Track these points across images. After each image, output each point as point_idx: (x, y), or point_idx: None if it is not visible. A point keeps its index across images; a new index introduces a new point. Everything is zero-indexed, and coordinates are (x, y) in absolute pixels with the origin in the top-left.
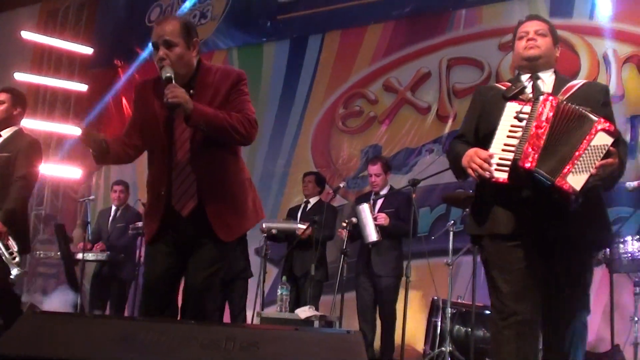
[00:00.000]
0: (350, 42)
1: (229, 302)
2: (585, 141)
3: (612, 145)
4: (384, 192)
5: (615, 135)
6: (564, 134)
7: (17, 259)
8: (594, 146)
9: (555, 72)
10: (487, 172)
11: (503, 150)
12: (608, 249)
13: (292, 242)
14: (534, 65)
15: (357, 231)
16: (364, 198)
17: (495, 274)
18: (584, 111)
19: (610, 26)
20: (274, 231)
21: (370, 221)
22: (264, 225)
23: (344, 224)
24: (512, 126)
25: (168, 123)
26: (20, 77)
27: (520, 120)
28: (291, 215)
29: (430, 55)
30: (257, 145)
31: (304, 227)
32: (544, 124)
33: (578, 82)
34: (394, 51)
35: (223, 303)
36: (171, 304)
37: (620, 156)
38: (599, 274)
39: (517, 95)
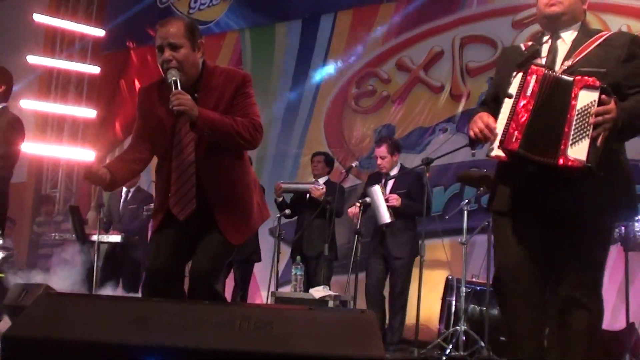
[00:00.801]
0: (362, 21)
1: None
2: (571, 107)
3: (600, 96)
4: (394, 172)
5: (598, 86)
6: (550, 107)
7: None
8: (581, 108)
9: (582, 25)
10: (484, 139)
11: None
12: (623, 227)
13: (301, 222)
14: (555, 23)
15: (369, 211)
16: (374, 178)
17: (495, 249)
18: (560, 76)
19: (623, 2)
20: (287, 211)
21: (382, 203)
22: (281, 185)
23: (358, 204)
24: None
25: (172, 127)
26: (33, 60)
27: (508, 96)
28: (300, 195)
29: (443, 34)
30: (269, 126)
31: (319, 185)
32: (530, 100)
33: (599, 38)
34: (407, 30)
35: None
36: (175, 289)
37: (616, 100)
38: (614, 252)
39: (528, 61)
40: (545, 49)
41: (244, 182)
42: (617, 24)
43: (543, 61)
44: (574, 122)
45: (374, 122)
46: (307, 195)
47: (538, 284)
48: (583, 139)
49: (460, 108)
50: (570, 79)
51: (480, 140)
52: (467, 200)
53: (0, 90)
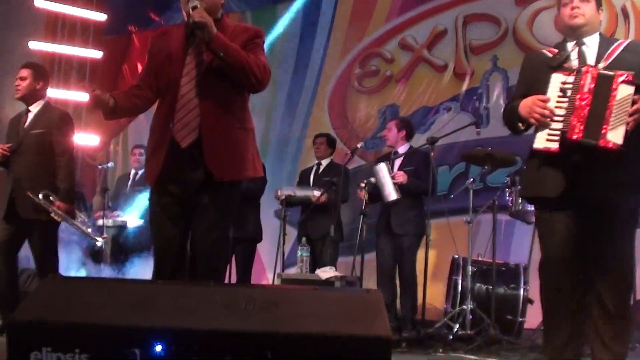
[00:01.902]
0: (364, 0)
1: (236, 265)
2: (611, 98)
3: (635, 93)
4: (402, 150)
5: (634, 82)
6: (599, 99)
7: (90, 230)
8: (620, 100)
9: (600, 34)
10: (548, 119)
11: (553, 120)
12: None
13: (307, 207)
14: (579, 33)
15: (376, 192)
16: (383, 159)
17: (542, 233)
18: (606, 72)
19: None
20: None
21: (388, 180)
22: (279, 192)
23: (363, 185)
24: (558, 97)
25: (181, 60)
26: (35, 45)
27: (564, 92)
28: (303, 178)
29: (446, 12)
30: (272, 110)
31: (318, 193)
32: (587, 95)
33: (621, 44)
34: (410, 9)
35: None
36: (182, 265)
37: None
38: None
39: (561, 64)
40: (573, 54)
41: (242, 126)
42: (620, 0)
43: (574, 64)
44: (614, 111)
45: (378, 102)
46: (311, 178)
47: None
48: (620, 125)
49: (464, 87)
50: (612, 73)
51: (543, 125)
52: (472, 179)
53: (38, 86)
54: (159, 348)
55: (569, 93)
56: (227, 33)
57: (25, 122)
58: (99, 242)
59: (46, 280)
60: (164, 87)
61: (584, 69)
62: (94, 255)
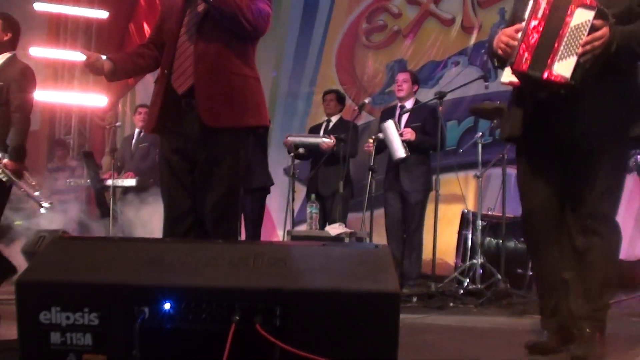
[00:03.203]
0: None
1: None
2: (564, 24)
3: (595, 18)
4: (409, 105)
5: (595, 6)
6: (552, 26)
7: (38, 192)
8: (574, 26)
9: None
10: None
11: None
12: (638, 156)
13: (316, 161)
14: None
15: (383, 146)
16: (389, 112)
17: (519, 176)
18: None
19: None
20: (301, 150)
21: (396, 137)
22: (288, 139)
23: (371, 140)
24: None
25: (181, 11)
26: (40, 7)
27: (520, 20)
28: (313, 133)
29: None
30: (280, 67)
31: (328, 140)
32: (541, 21)
33: None
34: None
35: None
36: (195, 224)
37: (612, 25)
38: (630, 181)
39: None
40: None
41: (241, 71)
42: None
43: None
44: (565, 39)
45: (386, 57)
46: (321, 134)
47: (559, 219)
48: (570, 56)
49: (472, 40)
50: None
51: (508, 56)
52: (481, 134)
53: (6, 37)
54: (167, 306)
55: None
56: None
57: None
58: (45, 206)
59: (55, 240)
60: (165, 39)
61: None
62: None
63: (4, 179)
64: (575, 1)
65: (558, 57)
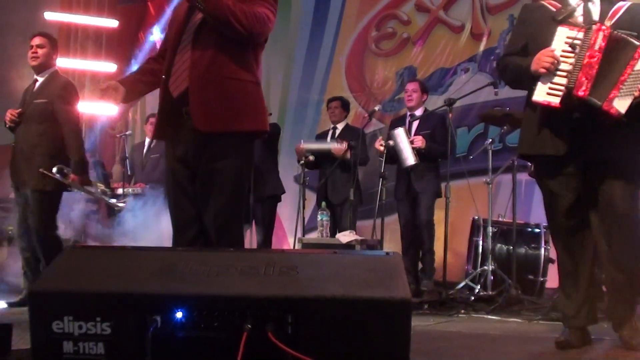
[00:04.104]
0: None
1: (256, 225)
2: (628, 67)
3: None
4: (418, 113)
5: None
6: (611, 61)
7: (111, 200)
8: (637, 70)
9: None
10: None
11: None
12: None
13: (324, 171)
14: None
15: (394, 154)
16: (399, 121)
17: (545, 190)
18: (629, 38)
19: None
20: (311, 158)
21: (406, 145)
22: (301, 145)
23: (381, 147)
24: (563, 51)
25: (183, 19)
26: (51, 16)
27: (573, 47)
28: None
29: None
30: (290, 75)
31: (339, 145)
32: (597, 53)
33: (623, 5)
34: None
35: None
36: (200, 231)
37: None
38: None
39: (566, 18)
40: (579, 10)
41: (237, 77)
42: None
43: (579, 20)
44: (628, 79)
45: (395, 64)
46: None
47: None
48: (629, 95)
49: (482, 47)
50: (638, 43)
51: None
52: (491, 140)
53: (55, 55)
54: (179, 314)
55: (577, 49)
56: None
57: (32, 90)
58: (120, 205)
59: (67, 249)
60: (167, 47)
61: (595, 26)
62: None
63: (80, 191)
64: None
65: (619, 94)
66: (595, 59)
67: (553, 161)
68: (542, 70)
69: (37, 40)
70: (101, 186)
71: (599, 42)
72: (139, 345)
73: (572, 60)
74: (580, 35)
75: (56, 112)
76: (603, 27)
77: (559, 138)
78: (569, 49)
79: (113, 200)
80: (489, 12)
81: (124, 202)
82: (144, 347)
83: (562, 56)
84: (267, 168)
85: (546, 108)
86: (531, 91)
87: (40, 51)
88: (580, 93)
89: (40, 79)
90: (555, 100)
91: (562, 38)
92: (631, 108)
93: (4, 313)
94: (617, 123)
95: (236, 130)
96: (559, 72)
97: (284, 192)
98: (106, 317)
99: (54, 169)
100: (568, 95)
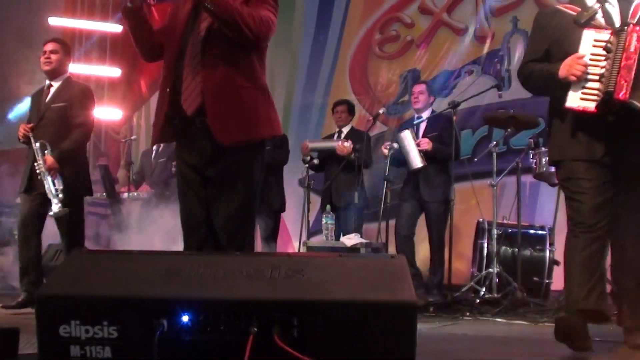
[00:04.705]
0: None
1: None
2: None
3: None
4: (425, 115)
5: None
6: None
7: (60, 196)
8: None
9: None
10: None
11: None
12: None
13: (330, 171)
14: None
15: (399, 157)
16: (406, 125)
17: (575, 190)
18: None
19: None
20: (315, 161)
21: (413, 147)
22: (307, 143)
23: (386, 150)
24: (592, 54)
25: (188, 24)
26: (55, 21)
27: (607, 50)
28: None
29: None
30: (294, 78)
31: (346, 143)
32: (633, 55)
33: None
34: None
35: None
36: (211, 236)
37: None
38: None
39: (589, 22)
40: (599, 11)
41: (249, 84)
42: None
43: (601, 22)
44: None
45: (399, 67)
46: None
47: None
48: None
49: (485, 49)
50: None
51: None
52: (495, 142)
53: (68, 61)
54: (185, 318)
55: (611, 52)
56: None
57: (47, 96)
58: (56, 210)
59: (73, 253)
60: (169, 51)
61: (628, 28)
62: None
63: (38, 171)
64: None
65: None
66: (632, 60)
67: (585, 165)
68: (573, 77)
69: (50, 46)
70: (60, 186)
71: (634, 44)
72: (145, 348)
73: (604, 64)
74: (610, 37)
75: (73, 115)
76: (637, 28)
77: (595, 142)
78: (601, 52)
79: (55, 204)
80: (492, 15)
81: (63, 210)
82: (150, 350)
83: (591, 59)
84: (271, 181)
85: (579, 114)
86: (560, 98)
87: (53, 57)
88: (621, 96)
89: (56, 84)
90: (591, 106)
91: (589, 41)
92: None
93: (11, 317)
94: None
95: (254, 138)
96: (590, 77)
97: (284, 210)
98: (113, 321)
99: (37, 143)
100: (605, 100)
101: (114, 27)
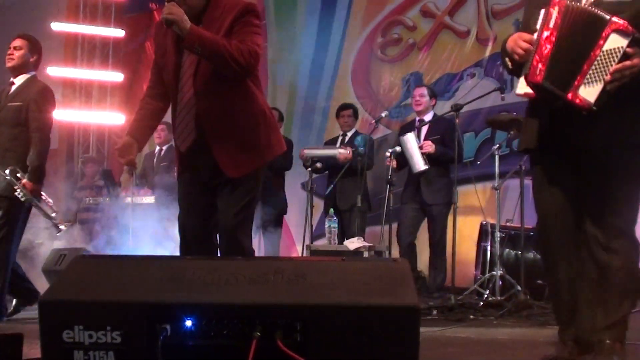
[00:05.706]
0: None
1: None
2: (596, 47)
3: (629, 45)
4: (428, 118)
5: (631, 33)
6: (574, 39)
7: (55, 214)
8: (606, 51)
9: None
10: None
11: None
12: None
13: (333, 174)
14: None
15: (403, 160)
16: (408, 127)
17: (534, 196)
18: (596, 11)
19: None
20: (318, 165)
21: (416, 150)
22: (304, 152)
23: (388, 155)
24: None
25: (177, 60)
26: (57, 27)
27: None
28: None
29: None
30: (296, 82)
31: (345, 150)
32: (552, 31)
33: None
34: None
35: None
36: (209, 244)
37: None
38: None
39: None
40: None
41: (246, 111)
42: None
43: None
44: (595, 63)
45: (402, 70)
46: None
47: (575, 230)
48: (597, 82)
49: (488, 52)
50: (607, 17)
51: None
52: (498, 145)
53: (32, 59)
54: (189, 323)
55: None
56: (217, 12)
57: (8, 93)
58: (62, 228)
59: (76, 258)
60: (171, 92)
61: (552, 0)
62: None
63: (23, 199)
64: (611, 24)
65: (585, 81)
66: (547, 35)
67: (540, 155)
68: (516, 56)
69: (15, 42)
70: (50, 202)
71: (554, 17)
72: (149, 353)
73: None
74: (542, 12)
75: (29, 118)
76: (563, 2)
77: (541, 130)
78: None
79: (56, 220)
80: (494, 17)
81: (66, 225)
82: (154, 355)
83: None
84: (273, 186)
85: (530, 101)
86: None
87: (16, 53)
88: (536, 79)
89: (17, 82)
90: (530, 90)
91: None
92: (605, 97)
93: (15, 322)
94: (600, 110)
95: (260, 166)
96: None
97: (286, 212)
98: (116, 326)
99: (7, 170)
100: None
101: (117, 32)
